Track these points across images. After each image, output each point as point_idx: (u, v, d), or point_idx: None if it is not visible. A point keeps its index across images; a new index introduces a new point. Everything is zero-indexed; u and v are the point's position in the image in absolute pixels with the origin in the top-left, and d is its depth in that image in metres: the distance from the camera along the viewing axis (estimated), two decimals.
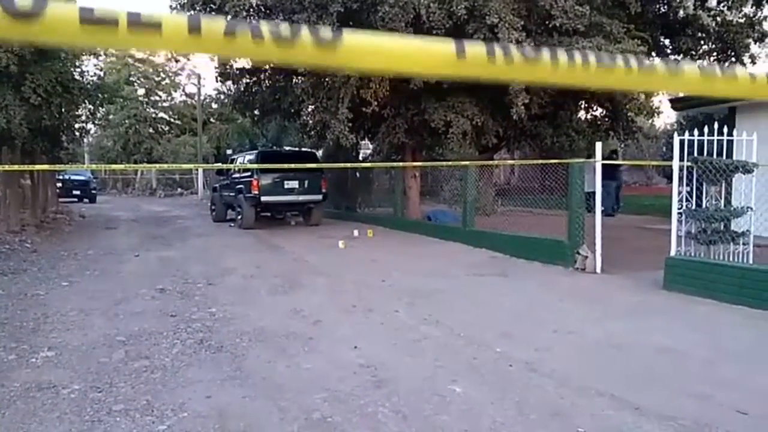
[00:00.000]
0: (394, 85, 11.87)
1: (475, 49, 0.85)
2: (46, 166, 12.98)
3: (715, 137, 6.73)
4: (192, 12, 11.88)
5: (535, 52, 0.86)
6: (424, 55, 0.85)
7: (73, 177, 25.35)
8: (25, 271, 7.91)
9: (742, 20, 13.93)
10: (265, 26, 0.76)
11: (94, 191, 26.88)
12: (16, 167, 11.25)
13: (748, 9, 13.69)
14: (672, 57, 15.05)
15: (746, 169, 6.64)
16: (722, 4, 13.61)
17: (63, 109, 12.72)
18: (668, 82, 0.96)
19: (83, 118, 16.04)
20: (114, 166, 27.94)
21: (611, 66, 0.90)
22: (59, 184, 21.62)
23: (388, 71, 0.86)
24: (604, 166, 15.10)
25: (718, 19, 14.03)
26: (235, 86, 17.15)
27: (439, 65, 0.85)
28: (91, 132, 29.42)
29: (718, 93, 1.02)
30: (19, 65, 9.74)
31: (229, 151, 28.80)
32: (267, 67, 15.34)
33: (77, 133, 16.84)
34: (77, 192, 25.47)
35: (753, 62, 15.04)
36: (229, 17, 11.41)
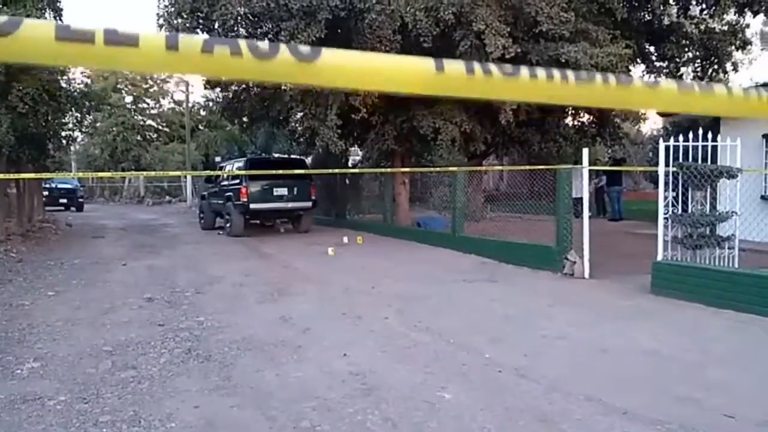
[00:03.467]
0: (383, 92, 11.91)
1: (454, 66, 0.85)
2: (32, 175, 12.85)
3: (700, 143, 6.81)
4: (180, 20, 11.87)
5: (513, 69, 0.87)
6: (403, 73, 0.85)
7: (60, 185, 25.11)
8: (10, 281, 7.81)
9: (725, 28, 14.14)
10: (243, 43, 0.76)
11: (81, 200, 26.63)
12: (1, 176, 11.14)
13: (730, 17, 13.91)
14: (657, 63, 15.25)
15: (731, 174, 6.73)
16: (704, 13, 13.81)
17: (49, 117, 12.63)
18: (647, 98, 0.97)
19: (70, 125, 15.94)
20: (101, 174, 27.75)
21: (590, 82, 0.91)
22: (46, 193, 21.38)
23: (367, 88, 0.86)
24: (608, 173, 15.33)
25: (701, 26, 14.25)
26: (224, 93, 17.12)
27: (418, 83, 0.86)
28: (78, 140, 29.26)
29: (695, 110, 1.04)
30: (5, 74, 9.67)
31: (217, 159, 28.73)
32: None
33: (64, 141, 16.70)
34: (64, 200, 25.21)
35: (735, 69, 15.27)
36: (217, 24, 11.42)
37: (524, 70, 0.87)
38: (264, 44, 0.77)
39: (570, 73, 0.90)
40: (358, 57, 0.82)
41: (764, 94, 1.03)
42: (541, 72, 0.88)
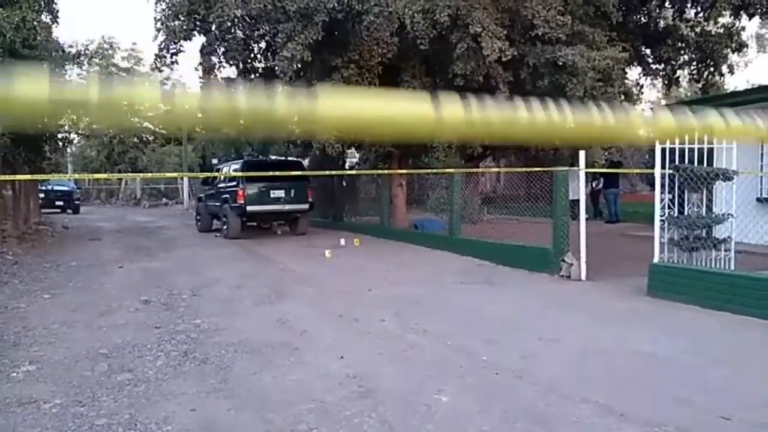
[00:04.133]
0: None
1: (452, 109, 0.85)
2: (28, 176, 12.80)
3: (696, 145, 6.83)
4: (177, 23, 11.84)
5: (512, 111, 0.87)
6: (403, 124, 0.85)
7: (56, 187, 25.02)
8: (5, 284, 7.79)
9: (720, 30, 14.20)
10: (241, 100, 0.76)
11: (77, 202, 26.54)
12: None
13: (726, 20, 13.97)
14: (653, 66, 15.30)
15: (727, 176, 6.75)
16: (700, 15, 13.87)
17: (45, 119, 12.56)
18: (646, 130, 0.98)
19: (66, 127, 15.88)
20: (97, 176, 27.65)
21: (589, 120, 0.91)
22: (42, 195, 21.31)
23: (367, 135, 0.86)
24: (605, 175, 15.36)
25: (697, 29, 14.31)
26: None
27: (418, 131, 0.86)
28: (75, 142, 29.16)
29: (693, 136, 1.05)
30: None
31: (214, 161, 28.66)
32: (252, 76, 15.34)
33: (60, 143, 16.64)
34: (60, 202, 25.13)
35: (731, 72, 15.34)
36: (214, 26, 11.41)
37: (522, 111, 0.87)
38: (262, 102, 0.77)
39: (568, 111, 0.90)
40: (354, 105, 0.82)
41: (759, 121, 1.03)
42: (539, 113, 0.88)
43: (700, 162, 6.87)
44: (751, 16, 13.37)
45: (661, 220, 6.84)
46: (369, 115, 0.82)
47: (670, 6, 14.29)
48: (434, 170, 14.50)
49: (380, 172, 14.25)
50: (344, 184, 16.76)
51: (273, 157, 21.06)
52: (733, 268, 6.72)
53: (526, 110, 0.88)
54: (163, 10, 12.01)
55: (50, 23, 11.95)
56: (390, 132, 0.85)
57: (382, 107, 0.83)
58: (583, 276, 7.74)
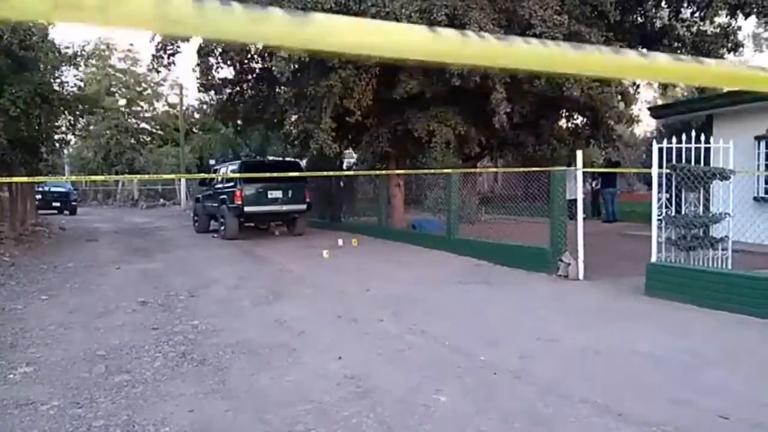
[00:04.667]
0: (378, 95, 11.92)
1: (448, 31, 0.85)
2: (24, 179, 12.78)
3: (693, 145, 6.84)
4: None
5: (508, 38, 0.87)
6: (397, 38, 0.84)
7: (53, 188, 24.96)
8: (2, 285, 7.77)
9: (716, 30, 14.23)
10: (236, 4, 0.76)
11: (74, 203, 26.48)
12: None
13: (722, 19, 13.99)
14: None
15: (724, 176, 6.77)
16: (696, 15, 13.89)
17: (42, 120, 12.56)
18: (640, 69, 0.97)
19: (63, 129, 15.85)
20: (94, 177, 27.54)
21: (583, 50, 0.90)
22: (39, 196, 21.26)
23: (361, 49, 0.84)
24: (603, 175, 15.38)
25: (693, 29, 14.33)
26: (218, 96, 17.08)
27: (412, 49, 0.85)
28: (71, 143, 29.06)
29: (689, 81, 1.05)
30: None
31: (212, 162, 28.64)
32: (250, 76, 15.32)
33: (57, 145, 16.61)
34: (57, 204, 25.06)
35: None
36: None
37: (518, 40, 0.87)
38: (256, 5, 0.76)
39: (564, 44, 0.90)
40: (349, 21, 0.82)
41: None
42: (535, 41, 0.88)
43: (697, 161, 6.89)
44: (747, 16, 13.39)
45: (658, 220, 6.85)
46: (364, 28, 0.81)
47: (666, 6, 14.31)
48: (432, 170, 14.50)
49: (378, 172, 14.24)
50: (342, 184, 16.76)
51: (270, 158, 21.07)
52: (730, 267, 6.73)
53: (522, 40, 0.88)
54: None
55: (46, 24, 11.92)
56: (385, 50, 0.84)
57: (378, 23, 0.83)
58: (581, 276, 7.75)
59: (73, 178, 31.82)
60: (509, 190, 16.11)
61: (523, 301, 6.78)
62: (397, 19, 10.09)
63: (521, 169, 12.47)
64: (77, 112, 15.12)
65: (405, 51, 0.85)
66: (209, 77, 15.24)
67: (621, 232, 12.91)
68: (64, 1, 0.68)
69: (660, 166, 6.85)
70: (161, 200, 36.00)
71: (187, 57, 15.36)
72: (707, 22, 13.87)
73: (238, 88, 15.78)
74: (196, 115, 36.54)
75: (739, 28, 14.61)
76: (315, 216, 16.26)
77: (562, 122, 16.51)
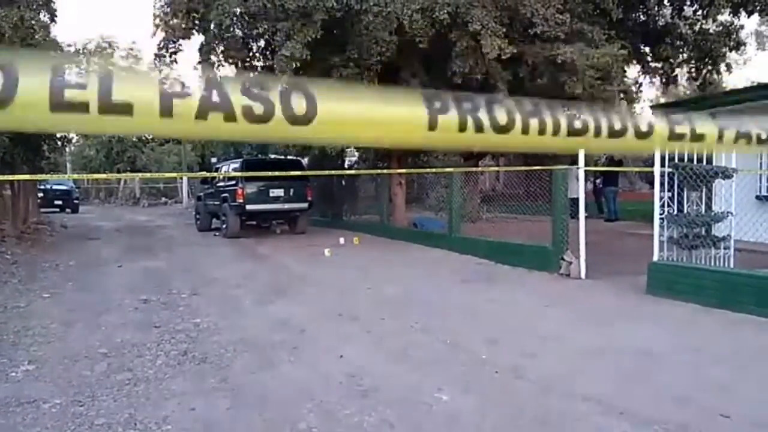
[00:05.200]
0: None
1: (447, 119, 0.85)
2: (26, 176, 12.79)
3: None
4: (176, 21, 11.82)
5: (507, 122, 0.87)
6: (397, 131, 0.85)
7: (55, 186, 24.99)
8: (5, 283, 7.77)
9: (719, 29, 14.20)
10: (238, 107, 0.76)
11: (76, 201, 26.52)
12: None
13: (725, 18, 13.96)
14: (652, 64, 15.30)
15: (726, 174, 6.75)
16: (699, 13, 13.86)
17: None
18: (639, 145, 0.97)
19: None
20: (96, 176, 27.55)
21: (582, 130, 0.90)
22: (41, 194, 21.27)
23: (363, 142, 0.87)
24: (605, 173, 15.36)
25: (696, 27, 14.30)
26: None
27: (411, 140, 0.87)
28: (74, 141, 29.14)
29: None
30: None
31: (213, 160, 28.65)
32: (252, 75, 15.32)
33: (59, 143, 16.61)
34: (59, 202, 25.10)
35: (729, 70, 15.33)
36: (213, 25, 11.38)
37: (518, 124, 0.87)
38: (259, 107, 0.76)
39: (563, 123, 0.90)
40: (352, 115, 0.81)
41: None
42: (534, 123, 0.88)
43: (700, 160, 6.87)
44: (750, 14, 13.38)
45: (660, 219, 6.83)
46: (365, 123, 0.81)
47: (668, 4, 14.28)
48: (433, 169, 14.49)
49: (379, 171, 14.24)
50: (343, 182, 16.75)
51: (272, 156, 21.04)
52: (732, 266, 6.72)
53: (521, 125, 0.87)
54: (162, 7, 11.99)
55: (48, 22, 11.93)
56: (385, 142, 0.85)
57: (378, 115, 0.83)
58: (583, 274, 7.74)
59: (75, 176, 31.82)
60: (511, 189, 16.10)
61: (524, 300, 6.77)
62: (398, 18, 10.10)
63: (523, 168, 12.47)
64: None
65: (405, 144, 0.87)
66: (211, 75, 15.21)
67: (623, 230, 12.90)
68: (65, 116, 0.68)
69: (662, 164, 6.84)
70: (163, 198, 36.02)
71: (188, 55, 15.32)
72: (710, 20, 13.84)
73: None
74: None
75: (742, 26, 14.59)
76: (316, 214, 16.27)
77: None
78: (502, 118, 0.85)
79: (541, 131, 0.87)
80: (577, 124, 0.89)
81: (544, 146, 0.90)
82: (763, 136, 1.01)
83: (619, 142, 0.93)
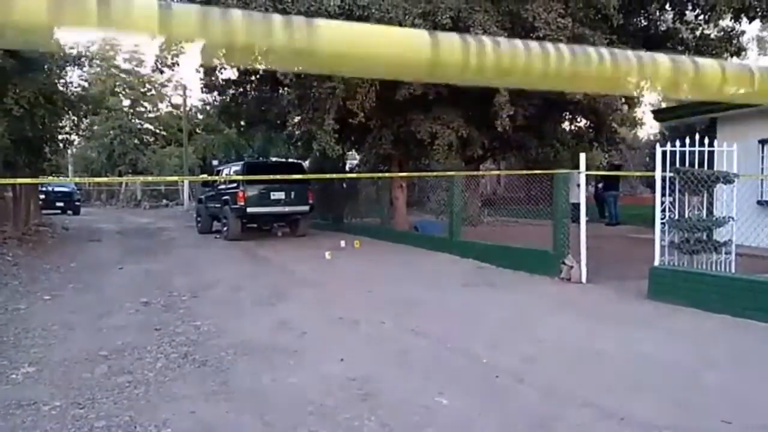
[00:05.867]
0: (381, 97, 11.93)
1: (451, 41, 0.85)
2: (28, 180, 12.81)
3: (697, 148, 6.83)
4: None
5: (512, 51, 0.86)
6: (400, 58, 0.85)
7: (57, 189, 25.04)
8: (6, 285, 7.78)
9: (720, 34, 14.21)
10: (237, 18, 0.76)
11: (77, 203, 26.55)
12: None
13: (726, 23, 13.97)
14: None
15: (727, 179, 6.75)
16: (700, 18, 13.87)
17: (46, 121, 12.59)
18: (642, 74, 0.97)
19: (67, 129, 15.89)
20: (98, 179, 27.54)
21: (587, 58, 0.90)
22: (42, 196, 21.30)
23: (360, 58, 0.85)
24: (605, 177, 15.36)
25: (697, 32, 14.31)
26: (221, 97, 17.12)
27: (415, 70, 0.86)
28: (75, 143, 29.18)
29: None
30: (0, 76, 9.65)
31: (215, 162, 28.70)
32: (253, 77, 15.35)
33: (61, 145, 16.64)
34: (61, 204, 25.13)
35: None
36: None
37: (535, 46, 0.86)
38: (258, 14, 0.77)
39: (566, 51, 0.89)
40: (353, 26, 0.82)
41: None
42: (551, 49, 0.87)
43: (701, 164, 6.87)
44: (751, 20, 13.37)
45: (661, 223, 6.83)
46: (366, 34, 0.82)
47: (670, 9, 14.30)
48: (435, 173, 14.50)
49: (380, 175, 14.25)
50: (344, 186, 16.77)
51: (273, 159, 21.08)
52: (733, 271, 6.71)
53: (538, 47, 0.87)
54: None
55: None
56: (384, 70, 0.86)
57: (381, 38, 0.83)
58: (584, 279, 7.74)
59: (77, 179, 31.86)
60: (512, 193, 16.11)
61: (525, 304, 6.76)
62: (400, 24, 10.11)
63: (524, 172, 12.47)
64: (81, 113, 15.17)
65: (408, 74, 0.86)
66: (213, 78, 15.28)
67: (624, 235, 12.89)
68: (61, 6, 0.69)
69: (663, 169, 6.84)
70: (164, 201, 36.06)
71: (190, 58, 15.38)
72: (711, 25, 13.86)
73: (241, 89, 15.81)
74: (200, 116, 36.62)
75: (743, 32, 14.60)
76: (317, 217, 16.27)
77: (565, 125, 16.50)
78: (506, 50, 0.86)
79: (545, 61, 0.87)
80: (581, 57, 0.89)
81: (548, 82, 0.90)
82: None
83: (626, 70, 0.93)
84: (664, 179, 6.86)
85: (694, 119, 12.64)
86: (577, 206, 8.46)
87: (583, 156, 8.32)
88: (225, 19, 0.74)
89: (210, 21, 0.74)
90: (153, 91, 39.05)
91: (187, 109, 34.36)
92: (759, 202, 9.89)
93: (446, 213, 11.64)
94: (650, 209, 7.45)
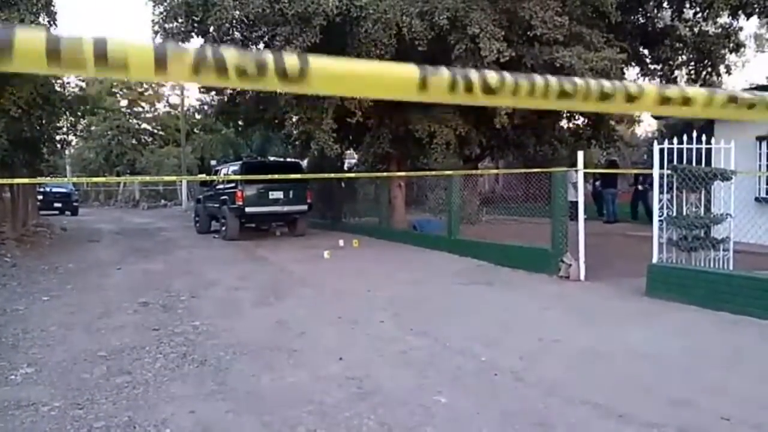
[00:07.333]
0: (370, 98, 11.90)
1: (439, 77, 0.87)
2: (26, 180, 12.79)
3: (695, 145, 6.83)
4: (174, 24, 11.83)
5: (498, 79, 0.88)
6: (389, 81, 0.87)
7: (55, 189, 25.01)
8: (4, 286, 7.77)
9: (718, 31, 14.22)
10: (231, 59, 0.77)
11: (75, 204, 26.51)
12: None
13: (724, 20, 13.98)
14: (651, 66, 15.33)
15: (725, 176, 6.75)
16: (698, 15, 13.88)
17: (43, 121, 12.58)
18: (628, 104, 0.99)
19: (64, 129, 15.86)
20: (96, 179, 27.52)
21: (572, 89, 0.92)
22: (40, 197, 21.29)
23: (355, 94, 0.88)
24: (604, 175, 15.38)
25: (695, 29, 14.32)
26: (219, 97, 17.10)
27: (403, 91, 0.88)
28: (73, 144, 29.13)
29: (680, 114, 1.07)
30: None
31: (213, 162, 28.68)
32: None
33: (58, 145, 16.63)
34: (58, 204, 25.11)
35: (728, 72, 15.35)
36: (212, 29, 11.39)
37: (509, 80, 0.88)
38: (251, 60, 0.78)
39: (553, 80, 0.91)
40: (345, 65, 0.84)
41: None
42: (524, 84, 0.90)
43: (699, 162, 6.87)
44: (749, 16, 13.38)
45: (659, 221, 6.84)
46: (357, 73, 0.85)
47: (668, 6, 14.31)
48: (433, 171, 14.49)
49: (379, 174, 14.24)
50: (343, 185, 16.76)
51: (272, 159, 21.06)
52: (731, 268, 6.72)
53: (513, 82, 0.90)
54: (161, 13, 12.00)
55: (48, 25, 11.93)
56: (375, 91, 0.88)
57: (370, 67, 0.86)
58: (582, 276, 7.75)
59: (75, 179, 31.80)
60: (510, 191, 16.12)
61: (524, 302, 6.77)
62: (398, 25, 10.12)
63: (522, 170, 12.48)
64: (79, 113, 15.16)
65: (396, 93, 0.89)
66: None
67: (622, 232, 12.90)
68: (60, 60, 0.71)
69: (661, 166, 6.84)
70: (162, 201, 36.01)
71: None
72: (709, 22, 13.86)
73: (239, 89, 15.76)
74: (197, 116, 36.58)
75: (741, 28, 14.61)
76: (316, 216, 16.27)
77: (563, 123, 16.51)
78: (492, 78, 0.89)
79: (531, 92, 0.89)
80: (568, 87, 0.92)
81: (536, 104, 0.93)
82: (755, 101, 1.02)
83: (608, 104, 0.95)
84: (661, 177, 6.87)
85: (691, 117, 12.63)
86: (575, 204, 8.47)
87: (581, 154, 8.33)
88: (218, 56, 0.76)
89: (204, 67, 0.76)
90: (150, 91, 39.01)
91: (185, 108, 34.34)
92: (757, 199, 9.90)
93: (445, 212, 11.64)
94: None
